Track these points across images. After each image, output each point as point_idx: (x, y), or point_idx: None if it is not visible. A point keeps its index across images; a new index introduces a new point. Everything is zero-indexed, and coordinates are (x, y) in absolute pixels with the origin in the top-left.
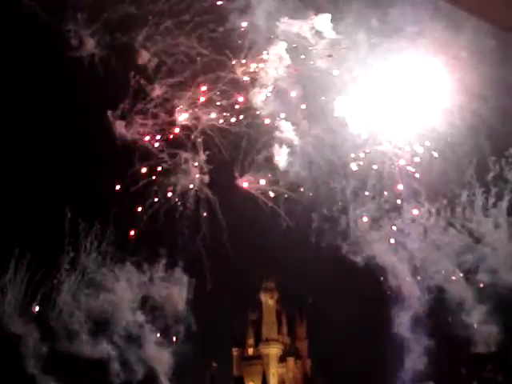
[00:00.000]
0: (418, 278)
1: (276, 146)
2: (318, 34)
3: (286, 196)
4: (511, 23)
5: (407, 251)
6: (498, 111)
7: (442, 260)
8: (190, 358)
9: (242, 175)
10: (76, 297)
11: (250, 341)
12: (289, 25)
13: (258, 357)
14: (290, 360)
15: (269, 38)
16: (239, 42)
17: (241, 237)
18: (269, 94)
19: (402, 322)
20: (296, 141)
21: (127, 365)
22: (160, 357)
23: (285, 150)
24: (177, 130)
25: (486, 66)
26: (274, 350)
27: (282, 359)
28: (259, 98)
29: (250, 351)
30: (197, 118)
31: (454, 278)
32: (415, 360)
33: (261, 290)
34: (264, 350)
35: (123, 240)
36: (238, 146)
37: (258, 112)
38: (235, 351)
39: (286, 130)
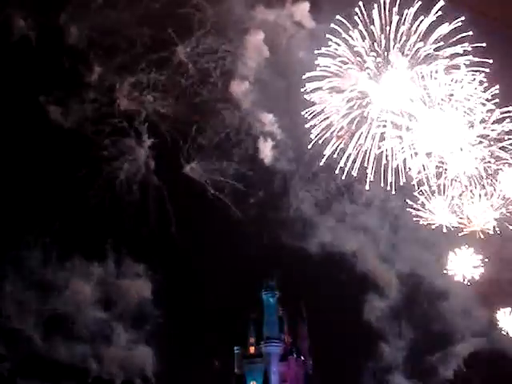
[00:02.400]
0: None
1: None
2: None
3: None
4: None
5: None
6: None
7: (407, 244)
8: (192, 356)
9: (188, 162)
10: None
11: (252, 339)
12: (265, 14)
13: (259, 355)
14: (291, 359)
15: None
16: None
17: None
18: (248, 85)
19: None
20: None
21: (103, 365)
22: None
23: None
24: (119, 116)
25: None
26: (275, 349)
27: (284, 358)
28: (239, 88)
29: (252, 350)
30: (141, 103)
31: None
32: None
33: (262, 289)
34: (265, 349)
35: (72, 232)
36: (184, 132)
37: (202, 97)
38: (237, 350)
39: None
